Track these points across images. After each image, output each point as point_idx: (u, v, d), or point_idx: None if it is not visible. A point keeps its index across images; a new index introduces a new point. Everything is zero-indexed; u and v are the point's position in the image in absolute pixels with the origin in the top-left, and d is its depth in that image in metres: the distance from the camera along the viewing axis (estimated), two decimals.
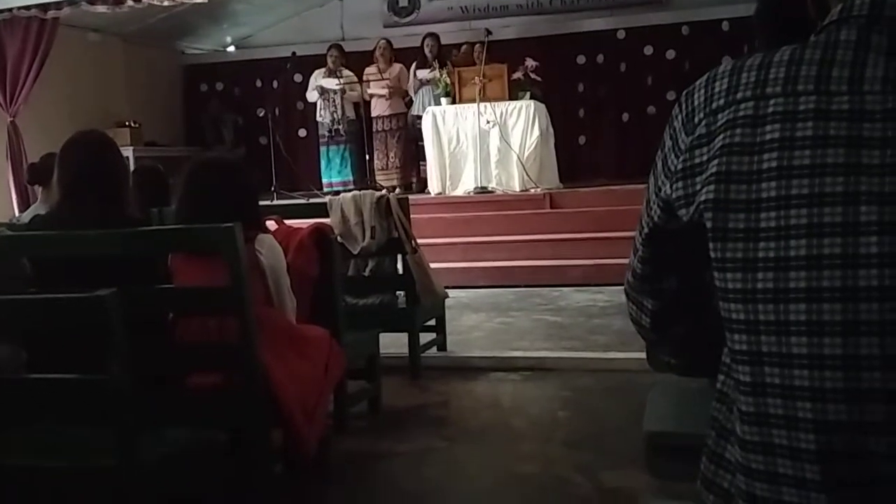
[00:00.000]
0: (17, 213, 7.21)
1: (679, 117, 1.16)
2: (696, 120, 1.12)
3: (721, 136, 1.08)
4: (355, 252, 4.52)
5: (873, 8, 1.03)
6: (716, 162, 1.07)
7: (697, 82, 1.16)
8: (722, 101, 1.09)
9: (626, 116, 10.78)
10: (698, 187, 1.10)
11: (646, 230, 1.22)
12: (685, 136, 1.14)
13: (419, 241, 4.74)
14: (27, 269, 2.93)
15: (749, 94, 1.07)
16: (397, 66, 9.70)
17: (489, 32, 9.33)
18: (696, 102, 1.13)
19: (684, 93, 1.17)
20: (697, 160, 1.11)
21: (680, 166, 1.13)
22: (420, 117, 9.23)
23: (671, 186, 1.14)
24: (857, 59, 1.02)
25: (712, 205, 1.07)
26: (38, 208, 4.60)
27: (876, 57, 1.01)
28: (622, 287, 1.39)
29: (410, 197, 5.85)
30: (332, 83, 9.67)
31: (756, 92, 1.07)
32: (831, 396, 0.98)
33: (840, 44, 1.04)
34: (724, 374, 1.16)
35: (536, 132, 8.54)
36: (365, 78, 9.71)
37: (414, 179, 9.83)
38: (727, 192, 1.06)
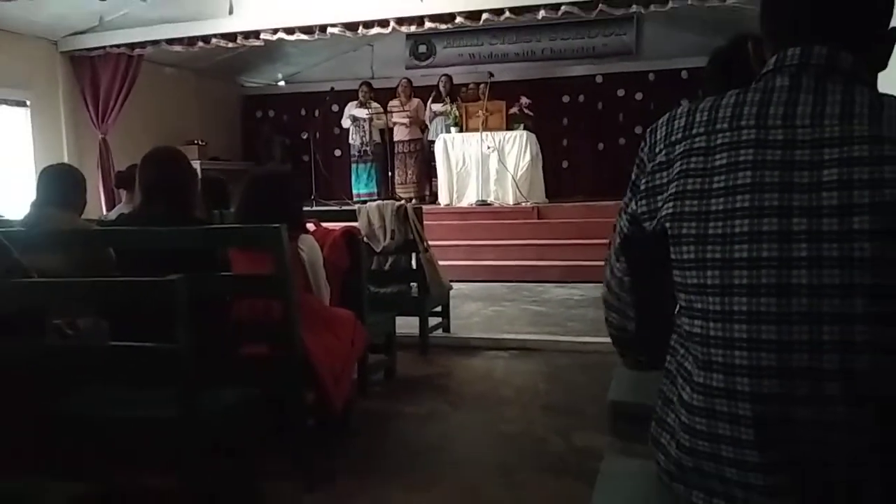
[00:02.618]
0: (104, 212, 7.24)
1: (645, 149, 1.18)
2: (657, 150, 1.14)
3: (678, 163, 1.10)
4: (378, 250, 4.52)
5: (801, 58, 1.05)
6: (675, 184, 1.10)
7: (659, 121, 1.17)
8: (679, 136, 1.11)
9: (601, 146, 10.76)
10: (660, 204, 1.12)
11: (618, 240, 1.23)
12: (648, 163, 1.16)
13: (430, 242, 4.74)
14: (112, 256, 2.94)
15: (702, 130, 1.09)
16: (416, 101, 9.70)
17: (491, 75, 9.33)
18: (657, 136, 1.15)
19: (649, 129, 1.19)
20: (658, 182, 1.13)
21: (643, 187, 1.15)
22: (433, 142, 9.24)
23: (636, 203, 1.16)
24: (790, 99, 1.04)
25: (670, 217, 1.09)
26: (122, 208, 4.62)
27: (805, 96, 1.03)
28: (596, 284, 1.39)
29: (424, 207, 5.84)
30: (362, 113, 9.68)
31: (708, 128, 1.09)
32: (766, 373, 1.00)
33: (776, 89, 1.06)
34: (670, 356, 1.18)
35: (528, 157, 8.54)
36: (389, 109, 9.74)
37: (427, 192, 9.83)
38: (682, 206, 1.09)
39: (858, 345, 0.94)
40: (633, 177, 1.19)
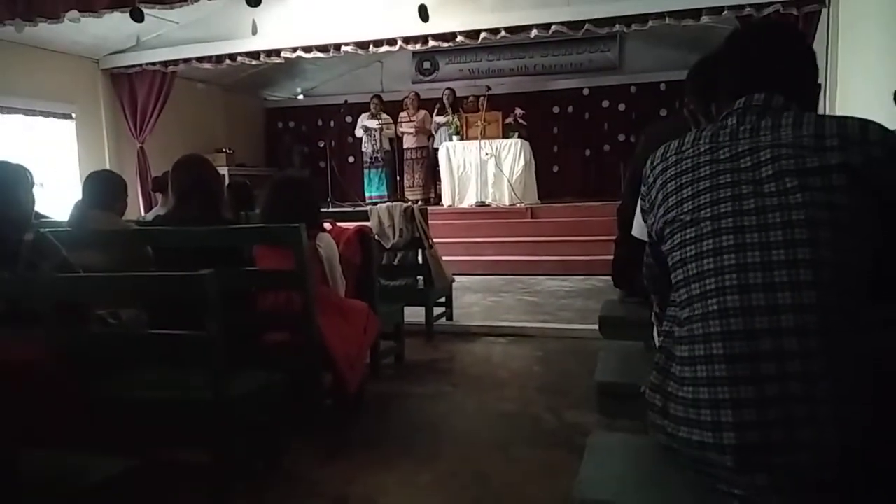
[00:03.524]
0: (142, 213, 7.25)
1: (643, 179, 1.38)
2: (647, 175, 1.36)
3: (660, 178, 1.31)
4: (388, 247, 4.52)
5: (745, 102, 1.26)
6: (660, 192, 1.30)
7: (648, 159, 1.38)
8: (659, 161, 1.33)
9: (587, 152, 10.74)
10: (655, 212, 1.31)
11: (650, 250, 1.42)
12: (644, 189, 1.37)
13: (434, 239, 4.74)
14: (150, 253, 2.95)
15: (673, 152, 1.31)
16: (422, 112, 9.69)
17: (489, 88, 9.33)
18: (647, 167, 1.36)
19: (644, 167, 1.39)
20: (652, 197, 1.33)
21: (647, 206, 1.36)
22: (438, 149, 9.22)
23: (648, 220, 1.36)
24: (737, 127, 1.24)
25: (661, 215, 1.29)
26: (158, 210, 4.62)
27: (747, 127, 1.23)
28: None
29: (429, 208, 5.83)
30: (373, 123, 9.67)
31: (677, 149, 1.31)
32: (736, 336, 1.10)
33: (727, 125, 1.26)
34: (668, 321, 1.28)
35: (522, 162, 8.52)
36: (398, 120, 9.72)
37: (432, 194, 9.83)
38: (665, 203, 1.27)
39: (801, 262, 1.09)
40: (640, 202, 1.40)
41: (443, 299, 4.91)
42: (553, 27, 6.62)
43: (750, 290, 1.09)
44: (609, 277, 2.76)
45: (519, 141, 8.61)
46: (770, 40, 1.33)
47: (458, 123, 9.10)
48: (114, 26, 6.89)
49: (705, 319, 1.13)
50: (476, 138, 8.62)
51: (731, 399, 1.07)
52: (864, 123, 1.15)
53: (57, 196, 6.97)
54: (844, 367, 1.04)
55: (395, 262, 4.69)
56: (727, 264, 1.12)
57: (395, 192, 9.75)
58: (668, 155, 1.30)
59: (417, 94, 9.85)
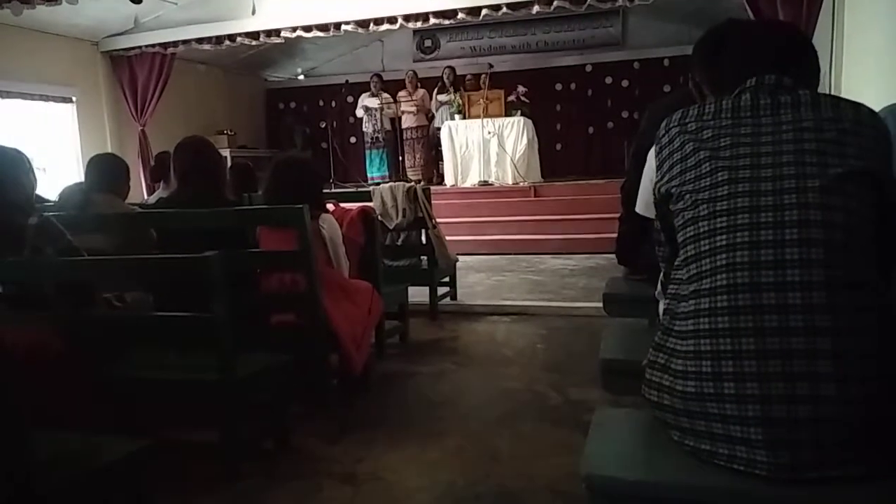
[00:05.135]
0: (145, 196, 7.25)
1: (656, 138, 1.39)
2: (661, 135, 1.37)
3: (677, 140, 1.32)
4: (391, 227, 4.52)
5: (757, 81, 1.28)
6: (677, 154, 1.31)
7: (661, 125, 1.39)
8: (675, 124, 1.34)
9: (591, 129, 10.68)
10: (665, 170, 1.32)
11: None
12: (656, 148, 1.37)
13: (437, 219, 4.73)
14: (153, 236, 2.95)
15: (692, 119, 1.32)
16: (421, 91, 9.64)
17: (491, 66, 9.25)
18: (662, 127, 1.38)
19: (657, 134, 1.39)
20: (664, 155, 1.34)
21: (657, 163, 1.36)
22: (439, 129, 9.18)
23: (656, 176, 1.36)
24: (754, 102, 1.27)
25: (676, 176, 1.30)
26: (160, 193, 4.62)
27: (767, 102, 1.25)
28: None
29: (431, 187, 5.81)
30: (374, 103, 9.62)
31: (697, 118, 1.32)
32: (743, 310, 1.12)
33: (742, 101, 1.28)
34: (668, 298, 1.29)
35: (525, 140, 8.47)
36: (398, 99, 9.67)
37: (434, 174, 9.80)
38: (679, 166, 1.29)
39: (812, 223, 1.12)
40: (653, 157, 1.40)
41: (447, 279, 4.91)
42: (555, 3, 6.53)
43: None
44: (613, 255, 2.75)
45: (521, 119, 8.55)
46: (784, 29, 1.48)
47: (460, 102, 9.05)
48: (112, 8, 6.85)
49: (714, 275, 1.16)
50: (478, 117, 8.57)
51: (733, 350, 1.11)
52: (872, 111, 1.25)
53: (59, 179, 6.98)
54: (847, 324, 1.07)
55: (399, 243, 4.68)
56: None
57: (397, 173, 9.72)
58: (686, 120, 1.32)
59: (416, 73, 9.78)
